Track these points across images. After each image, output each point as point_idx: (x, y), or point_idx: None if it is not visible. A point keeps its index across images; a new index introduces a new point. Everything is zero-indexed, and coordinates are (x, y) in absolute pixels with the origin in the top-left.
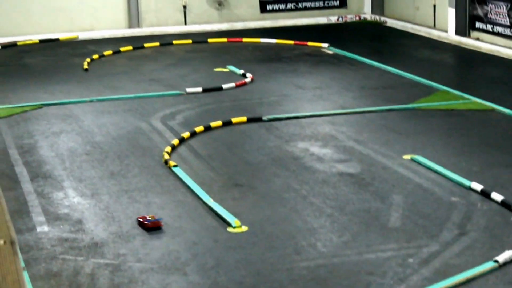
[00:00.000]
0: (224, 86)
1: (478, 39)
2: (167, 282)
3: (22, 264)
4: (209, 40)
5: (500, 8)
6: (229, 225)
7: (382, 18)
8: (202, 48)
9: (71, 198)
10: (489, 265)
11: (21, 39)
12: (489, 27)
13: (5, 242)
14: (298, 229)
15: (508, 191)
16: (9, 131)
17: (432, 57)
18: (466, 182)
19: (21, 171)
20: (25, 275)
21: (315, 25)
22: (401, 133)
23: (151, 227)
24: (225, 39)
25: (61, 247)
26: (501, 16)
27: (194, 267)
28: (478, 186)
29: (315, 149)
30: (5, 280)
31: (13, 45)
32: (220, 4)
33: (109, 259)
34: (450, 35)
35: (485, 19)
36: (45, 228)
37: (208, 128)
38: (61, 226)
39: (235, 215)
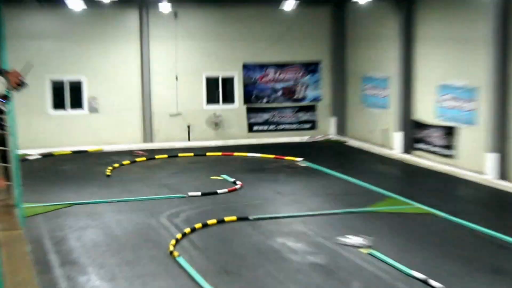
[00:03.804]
0: (219, 191)
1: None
2: None
3: None
4: (207, 153)
5: (436, 132)
6: None
7: (344, 138)
8: (202, 160)
9: (94, 281)
10: None
11: (57, 150)
12: (428, 147)
13: None
14: None
15: (444, 279)
16: (45, 225)
17: (383, 170)
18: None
19: (53, 258)
20: None
21: (291, 143)
22: (359, 232)
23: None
24: (220, 153)
25: None
26: (435, 139)
27: None
28: (419, 275)
29: (291, 243)
30: None
31: (50, 155)
32: (216, 125)
33: None
34: (396, 153)
35: (423, 142)
36: None
37: (205, 225)
38: None
39: None
